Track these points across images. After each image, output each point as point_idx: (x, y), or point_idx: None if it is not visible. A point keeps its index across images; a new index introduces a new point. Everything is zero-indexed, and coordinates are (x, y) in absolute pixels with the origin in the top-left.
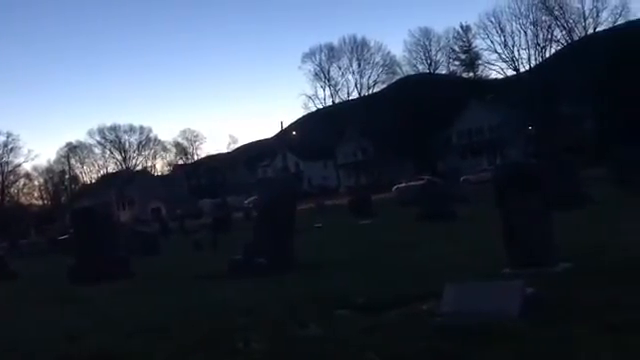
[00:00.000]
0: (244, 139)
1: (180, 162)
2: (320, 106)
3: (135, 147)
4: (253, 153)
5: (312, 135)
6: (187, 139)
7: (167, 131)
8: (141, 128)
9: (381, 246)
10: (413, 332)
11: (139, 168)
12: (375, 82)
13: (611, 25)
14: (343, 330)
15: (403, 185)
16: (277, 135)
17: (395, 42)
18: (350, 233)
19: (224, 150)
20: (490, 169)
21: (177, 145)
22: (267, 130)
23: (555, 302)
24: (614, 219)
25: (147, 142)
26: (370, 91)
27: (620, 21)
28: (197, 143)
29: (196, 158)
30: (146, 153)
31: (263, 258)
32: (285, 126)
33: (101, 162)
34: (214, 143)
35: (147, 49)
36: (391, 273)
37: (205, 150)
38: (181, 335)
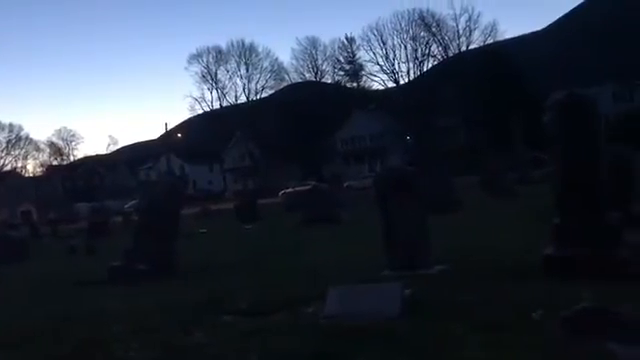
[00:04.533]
0: (125, 140)
1: (55, 163)
2: (207, 109)
3: (4, 146)
4: (135, 155)
5: (198, 138)
6: (63, 139)
7: (40, 130)
8: (10, 126)
9: (267, 250)
10: (297, 335)
11: (8, 168)
12: (263, 87)
13: (482, 44)
14: (227, 335)
15: (290, 190)
16: (161, 137)
17: (283, 49)
18: (235, 238)
19: (103, 151)
20: (372, 175)
21: (51, 145)
22: (150, 132)
23: (432, 302)
24: (484, 222)
25: (17, 141)
26: (258, 96)
27: (489, 41)
28: (74, 143)
29: (72, 159)
30: (16, 153)
31: (144, 264)
32: (170, 128)
33: None
34: (92, 144)
35: (18, 41)
36: (277, 277)
37: (82, 151)
38: (52, 346)
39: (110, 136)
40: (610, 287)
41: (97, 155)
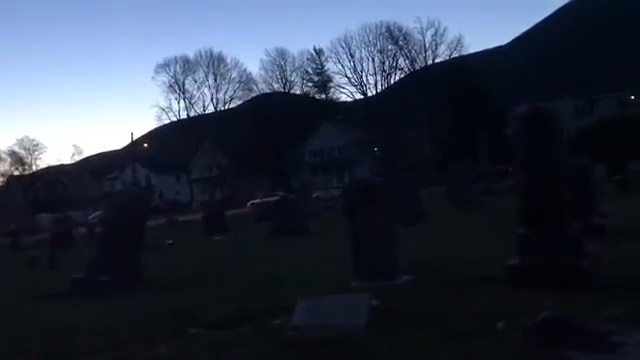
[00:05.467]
0: (90, 150)
1: (16, 173)
2: (174, 119)
3: None
4: (100, 165)
5: (165, 148)
6: (25, 148)
7: (1, 139)
8: None
9: (234, 262)
10: (265, 347)
11: None
12: (231, 98)
13: (448, 58)
14: (193, 348)
15: (258, 201)
16: (127, 147)
17: (252, 60)
18: (203, 249)
19: (67, 161)
20: (340, 186)
21: (13, 154)
22: (116, 142)
23: (399, 313)
24: (449, 233)
25: None
26: (226, 106)
27: (455, 55)
28: (37, 153)
29: (35, 169)
30: None
31: (109, 276)
32: (136, 138)
33: None
34: (56, 153)
35: None
36: (244, 289)
37: (46, 161)
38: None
39: (74, 146)
40: (572, 297)
41: (61, 165)
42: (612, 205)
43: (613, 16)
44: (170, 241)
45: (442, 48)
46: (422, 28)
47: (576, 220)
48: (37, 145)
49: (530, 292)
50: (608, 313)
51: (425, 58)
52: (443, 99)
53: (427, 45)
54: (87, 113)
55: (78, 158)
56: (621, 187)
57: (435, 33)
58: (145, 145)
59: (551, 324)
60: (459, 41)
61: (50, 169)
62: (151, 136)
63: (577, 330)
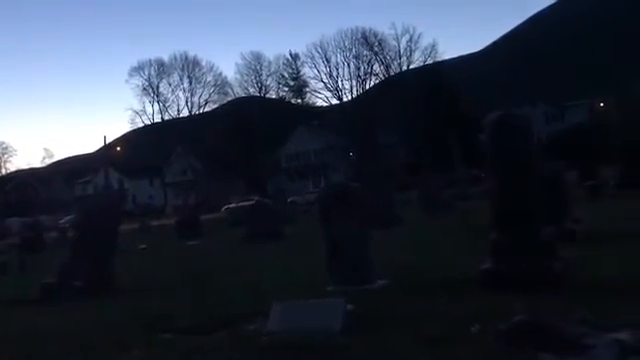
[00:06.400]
0: (62, 153)
1: None
2: (148, 122)
3: None
4: (72, 169)
5: (139, 152)
6: None
7: None
8: None
9: (209, 267)
10: (239, 352)
11: None
12: (206, 101)
13: (422, 64)
14: (166, 354)
15: (233, 205)
16: (100, 150)
17: (227, 63)
18: (177, 254)
19: (38, 165)
20: (315, 191)
21: None
22: (88, 145)
23: (374, 317)
24: (424, 238)
25: None
26: (201, 110)
27: (429, 61)
28: (6, 156)
29: (5, 172)
30: None
31: (80, 281)
32: (109, 141)
33: None
34: (27, 156)
35: None
36: (219, 294)
37: (16, 164)
38: None
39: (45, 149)
40: (544, 300)
41: (31, 168)
42: (584, 210)
43: (585, 24)
44: (143, 246)
45: (417, 54)
46: (397, 34)
47: (548, 225)
48: (7, 148)
49: (503, 296)
50: (579, 316)
51: (400, 64)
52: (417, 105)
53: (402, 51)
54: (59, 116)
55: (49, 161)
56: (592, 192)
57: (410, 39)
58: (118, 148)
59: (524, 327)
60: (433, 47)
61: (20, 172)
62: (124, 139)
63: (549, 333)
